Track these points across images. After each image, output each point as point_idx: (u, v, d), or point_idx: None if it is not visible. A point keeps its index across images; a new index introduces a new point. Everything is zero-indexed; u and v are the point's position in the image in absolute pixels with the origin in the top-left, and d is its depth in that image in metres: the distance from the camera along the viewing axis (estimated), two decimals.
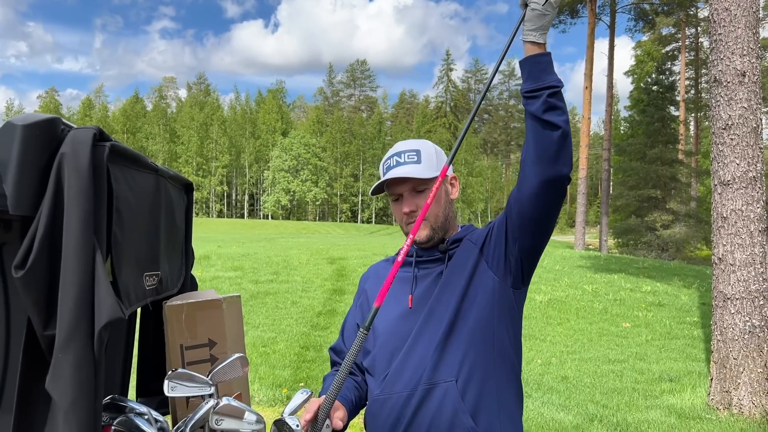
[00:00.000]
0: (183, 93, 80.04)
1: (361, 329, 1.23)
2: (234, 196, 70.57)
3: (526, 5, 1.29)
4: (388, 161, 1.48)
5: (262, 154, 67.46)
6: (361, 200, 67.73)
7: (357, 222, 65.35)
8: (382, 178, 1.46)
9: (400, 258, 1.31)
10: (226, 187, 67.55)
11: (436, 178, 1.40)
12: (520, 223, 1.32)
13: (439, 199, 1.44)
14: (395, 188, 1.46)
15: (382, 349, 1.41)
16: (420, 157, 1.45)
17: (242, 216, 68.07)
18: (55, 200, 0.97)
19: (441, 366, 1.31)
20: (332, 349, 1.60)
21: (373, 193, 1.50)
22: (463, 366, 1.31)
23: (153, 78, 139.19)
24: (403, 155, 1.46)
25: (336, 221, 64.95)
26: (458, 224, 1.54)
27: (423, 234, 1.43)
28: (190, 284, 1.86)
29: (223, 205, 68.92)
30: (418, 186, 1.43)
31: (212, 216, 64.29)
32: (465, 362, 1.31)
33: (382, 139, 69.25)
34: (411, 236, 1.32)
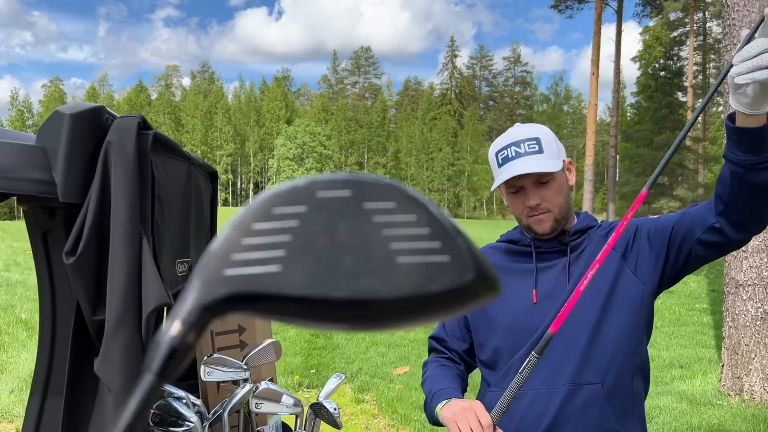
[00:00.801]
0: (187, 81, 79.98)
1: (533, 353, 1.19)
2: (239, 185, 70.68)
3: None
4: (505, 151, 1.36)
5: (266, 143, 67.47)
6: None
7: None
8: (504, 173, 1.35)
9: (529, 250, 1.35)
10: (230, 176, 67.64)
11: (561, 169, 1.35)
12: (697, 253, 1.30)
13: (561, 188, 1.36)
14: (515, 181, 1.35)
15: (504, 343, 1.37)
16: (541, 146, 1.35)
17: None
18: (102, 188, 0.98)
19: (586, 368, 1.29)
20: (432, 338, 1.55)
21: (493, 189, 1.41)
22: (609, 371, 1.30)
23: (157, 67, 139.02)
24: (522, 145, 1.34)
25: None
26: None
27: (546, 226, 1.35)
28: None
29: (228, 193, 69.06)
30: (542, 177, 1.34)
31: (218, 205, 64.36)
32: (611, 368, 1.30)
33: (387, 126, 69.09)
34: (538, 229, 1.33)
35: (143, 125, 1.04)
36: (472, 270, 0.34)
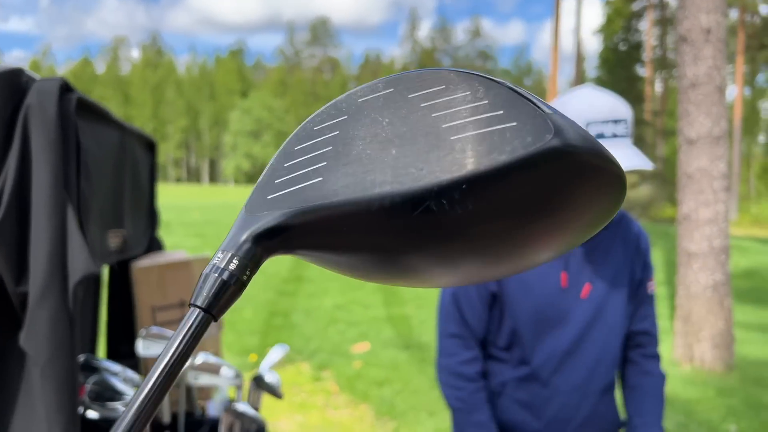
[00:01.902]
0: (136, 54, 77.32)
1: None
2: (193, 162, 69.18)
3: None
4: (600, 128, 1.16)
5: (221, 118, 66.06)
6: None
7: None
8: (615, 157, 1.21)
9: None
10: (184, 152, 66.11)
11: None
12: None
13: None
14: None
15: (525, 327, 1.25)
16: (629, 129, 1.20)
17: (202, 182, 66.89)
18: (22, 153, 0.93)
19: (614, 363, 1.30)
20: (452, 336, 1.29)
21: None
22: (618, 365, 1.33)
23: (104, 39, 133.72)
24: (620, 125, 1.18)
25: None
26: None
27: None
28: (157, 246, 1.83)
29: (182, 170, 67.55)
30: None
31: (170, 182, 62.97)
32: (618, 364, 1.33)
33: None
34: None
35: (66, 88, 0.99)
36: (549, 129, 0.29)
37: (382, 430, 3.58)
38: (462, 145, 0.29)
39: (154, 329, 1.35)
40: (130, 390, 1.26)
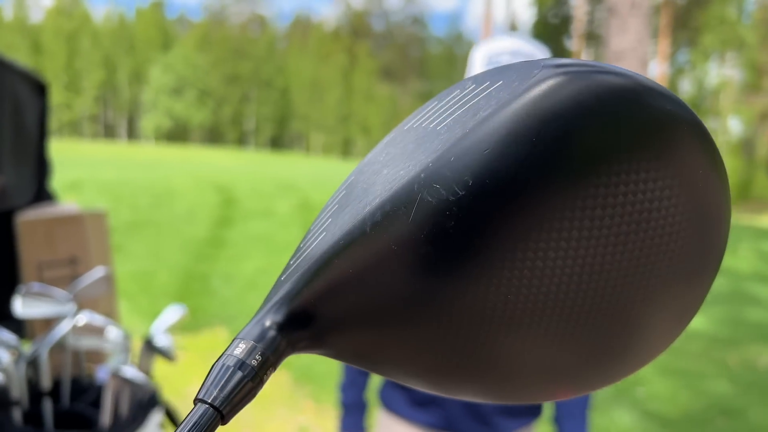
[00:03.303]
0: (47, 1, 72.02)
1: None
2: (110, 118, 65.74)
3: None
4: (498, 58, 1.19)
5: (140, 73, 62.81)
6: (256, 125, 65.49)
7: (249, 148, 63.40)
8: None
9: None
10: (101, 107, 62.68)
11: None
12: None
13: None
14: None
15: None
16: None
17: (119, 139, 63.81)
18: None
19: None
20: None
21: None
22: None
23: None
24: (518, 57, 1.18)
25: (224, 147, 62.63)
26: None
27: None
28: (47, 197, 1.67)
29: (98, 126, 64.12)
30: None
31: (85, 138, 59.71)
32: None
33: (276, 60, 66.65)
34: None
35: None
36: (539, 65, 0.24)
37: (300, 395, 3.54)
38: (447, 126, 0.25)
39: (36, 286, 1.22)
40: (4, 353, 1.13)
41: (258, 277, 6.42)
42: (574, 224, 0.23)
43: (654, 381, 4.05)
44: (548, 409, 1.32)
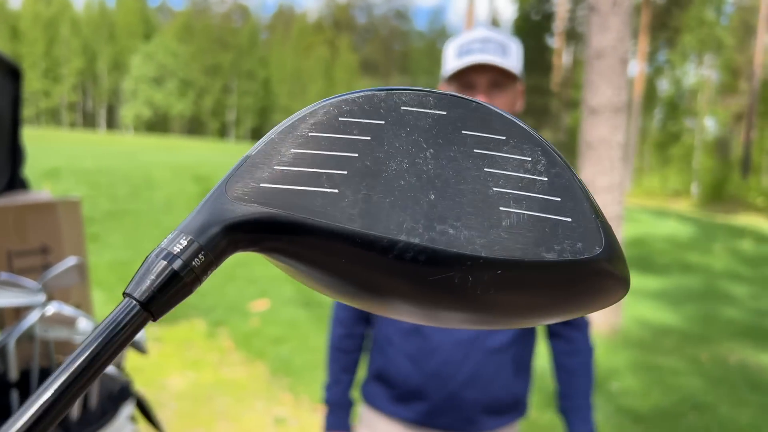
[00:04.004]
0: None
1: None
2: (89, 106, 64.70)
3: None
4: (470, 46, 1.25)
5: (121, 61, 61.88)
6: (237, 116, 64.89)
7: (230, 139, 62.84)
8: (465, 60, 1.23)
9: None
10: (80, 96, 61.68)
11: (517, 77, 1.25)
12: None
13: (511, 104, 1.26)
14: (471, 76, 1.23)
15: None
16: (508, 52, 1.25)
17: (98, 128, 62.86)
18: None
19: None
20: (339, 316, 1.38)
21: (449, 78, 1.26)
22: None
23: None
24: (491, 44, 1.24)
25: (204, 138, 62.02)
26: None
27: None
28: (20, 185, 1.63)
29: (77, 115, 63.08)
30: (500, 81, 1.23)
31: (64, 126, 58.73)
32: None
33: (258, 52, 66.07)
34: None
35: None
36: (600, 242, 0.27)
37: (277, 387, 3.53)
38: (510, 223, 0.26)
39: (4, 275, 1.20)
40: None
41: (236, 268, 6.38)
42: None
43: (627, 377, 4.11)
44: (552, 402, 1.34)
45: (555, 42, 30.15)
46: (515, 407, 1.30)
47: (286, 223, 0.25)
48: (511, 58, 1.25)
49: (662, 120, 31.24)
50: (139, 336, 1.10)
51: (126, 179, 11.63)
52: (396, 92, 0.28)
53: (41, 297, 1.20)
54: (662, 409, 3.66)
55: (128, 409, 1.15)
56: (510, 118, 0.28)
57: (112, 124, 65.11)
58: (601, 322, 5.17)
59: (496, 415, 1.26)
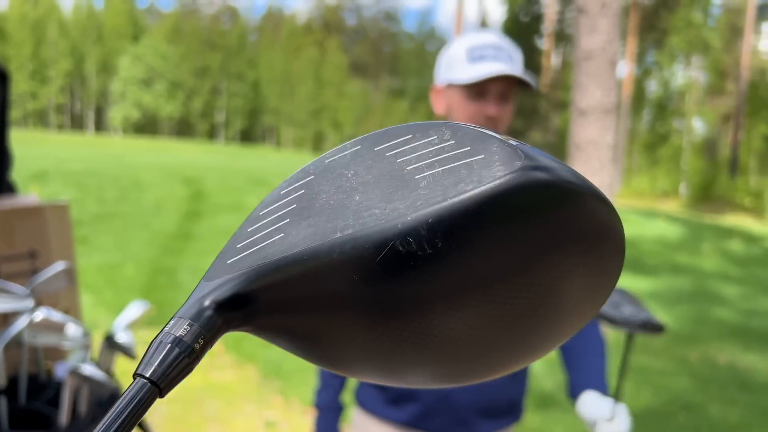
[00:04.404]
0: None
1: None
2: (77, 108, 64.22)
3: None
4: (482, 51, 1.21)
5: (109, 63, 61.47)
6: (226, 118, 64.64)
7: (219, 141, 62.59)
8: (486, 68, 1.19)
9: None
10: (68, 97, 61.23)
11: (532, 87, 1.23)
12: None
13: (511, 114, 1.25)
14: (487, 84, 1.20)
15: None
16: (514, 61, 1.24)
17: (87, 130, 62.42)
18: None
19: None
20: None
21: (457, 83, 1.22)
22: None
23: None
24: (502, 52, 1.22)
25: (193, 140, 61.73)
26: None
27: None
28: (7, 188, 1.61)
29: (65, 117, 62.61)
30: (509, 91, 1.22)
31: (51, 129, 58.26)
32: None
33: (247, 53, 65.87)
34: None
35: None
36: (520, 157, 0.27)
37: (268, 390, 3.52)
38: (427, 181, 0.28)
39: None
40: None
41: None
42: (506, 288, 0.28)
43: (612, 375, 4.13)
44: (543, 404, 1.33)
45: (544, 43, 30.29)
46: (511, 411, 1.29)
47: (254, 280, 0.29)
48: (517, 66, 1.25)
49: (651, 121, 31.45)
50: (129, 340, 1.09)
51: (114, 181, 11.55)
52: (322, 155, 0.33)
53: (29, 302, 1.18)
54: (653, 409, 3.68)
55: None
56: (411, 123, 0.31)
57: (100, 126, 64.67)
58: None
59: (491, 419, 1.25)
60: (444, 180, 0.27)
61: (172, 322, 0.29)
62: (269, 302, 0.29)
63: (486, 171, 0.27)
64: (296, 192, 0.31)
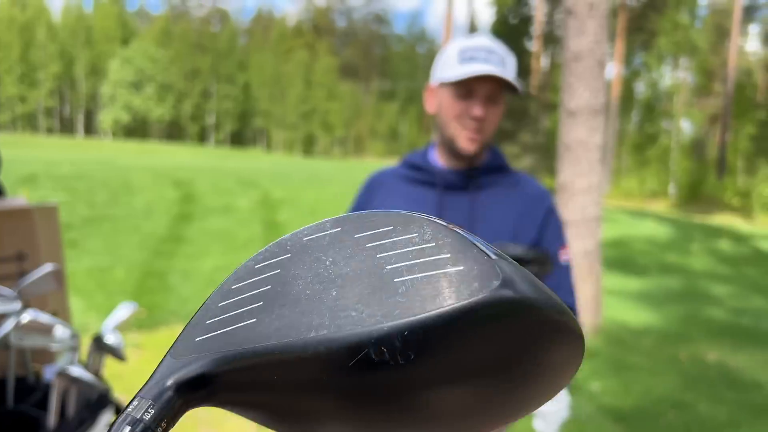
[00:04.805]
0: None
1: None
2: (67, 112, 63.83)
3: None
4: (474, 53, 1.24)
5: (98, 66, 61.14)
6: (216, 121, 64.42)
7: (209, 144, 62.37)
8: (474, 69, 1.21)
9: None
10: (57, 101, 60.83)
11: (518, 90, 1.25)
12: None
13: (499, 117, 1.27)
14: (475, 83, 1.23)
15: None
16: (508, 65, 1.26)
17: (76, 134, 62.02)
18: None
19: None
20: None
21: (445, 82, 1.25)
22: None
23: None
24: (494, 55, 1.24)
25: (184, 142, 61.47)
26: None
27: (473, 147, 1.25)
28: None
29: (54, 120, 62.20)
30: (498, 94, 1.25)
31: (41, 132, 57.85)
32: None
33: (237, 56, 65.71)
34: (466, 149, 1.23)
35: None
36: (497, 276, 0.27)
37: None
38: (405, 288, 0.28)
39: None
40: None
41: (217, 274, 6.34)
42: (476, 379, 0.28)
43: (608, 376, 4.15)
44: None
45: (533, 45, 30.42)
46: None
47: (220, 365, 0.29)
48: (509, 71, 1.26)
49: (639, 122, 31.65)
50: (117, 342, 1.09)
51: (105, 185, 11.49)
52: (300, 230, 0.32)
53: (17, 305, 1.18)
54: (642, 408, 3.70)
55: (107, 417, 1.13)
56: (392, 212, 0.31)
57: (90, 129, 64.29)
58: (582, 322, 5.21)
59: None
60: (422, 290, 0.27)
61: (135, 402, 0.29)
62: (232, 383, 0.29)
63: (464, 286, 0.27)
64: (271, 270, 0.31)
